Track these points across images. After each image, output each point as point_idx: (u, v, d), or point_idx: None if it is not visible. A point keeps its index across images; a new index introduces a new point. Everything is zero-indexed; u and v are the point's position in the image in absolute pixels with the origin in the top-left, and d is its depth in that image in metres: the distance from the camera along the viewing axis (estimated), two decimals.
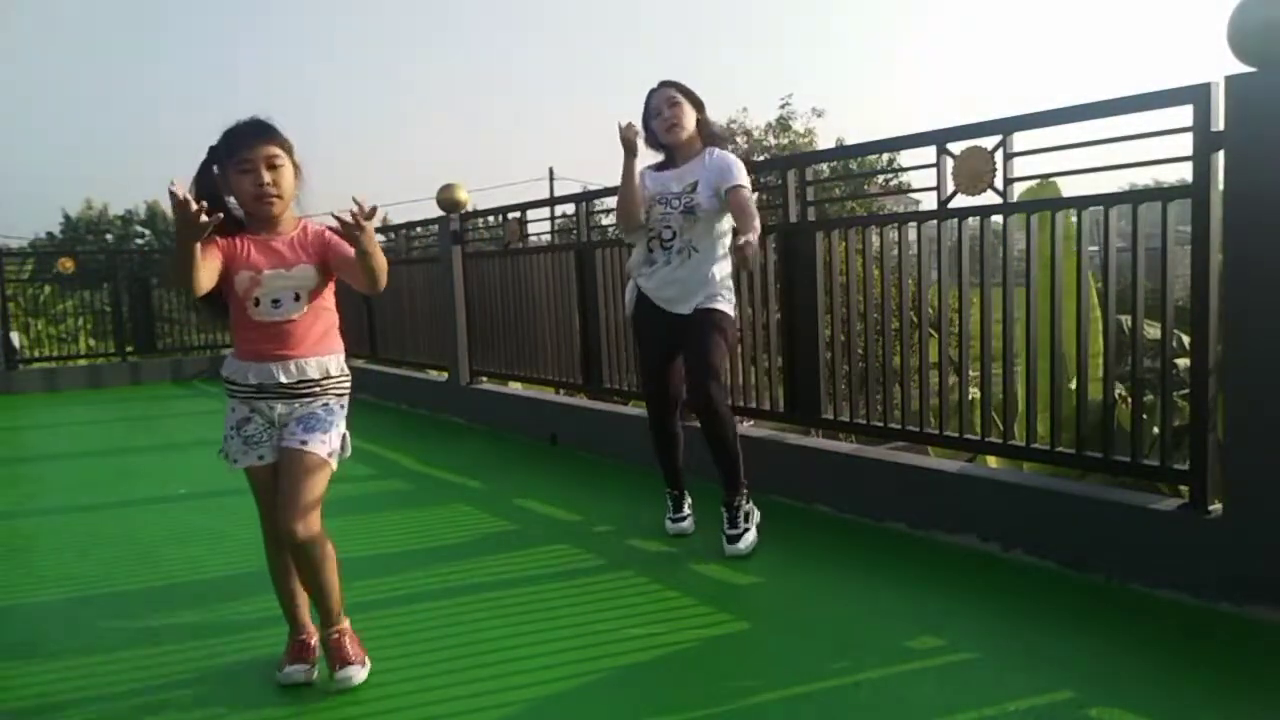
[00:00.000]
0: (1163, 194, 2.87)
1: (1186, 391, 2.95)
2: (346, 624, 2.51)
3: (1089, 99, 2.95)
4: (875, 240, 3.92)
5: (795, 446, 4.09)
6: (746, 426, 4.37)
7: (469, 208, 7.01)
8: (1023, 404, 3.38)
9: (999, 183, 3.25)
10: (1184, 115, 2.73)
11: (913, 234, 3.75)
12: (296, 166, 2.40)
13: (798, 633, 2.74)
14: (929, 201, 3.53)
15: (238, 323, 2.42)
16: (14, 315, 10.34)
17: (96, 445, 6.77)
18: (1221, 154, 2.65)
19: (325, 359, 2.44)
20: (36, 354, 10.70)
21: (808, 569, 3.25)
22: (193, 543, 3.92)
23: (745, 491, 3.44)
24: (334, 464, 2.42)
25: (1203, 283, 2.74)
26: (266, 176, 2.31)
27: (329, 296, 2.48)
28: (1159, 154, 2.82)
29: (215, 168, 2.36)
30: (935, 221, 3.51)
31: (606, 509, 4.13)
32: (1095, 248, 3.13)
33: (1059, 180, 3.43)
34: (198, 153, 2.38)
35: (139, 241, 40.36)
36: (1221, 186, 2.67)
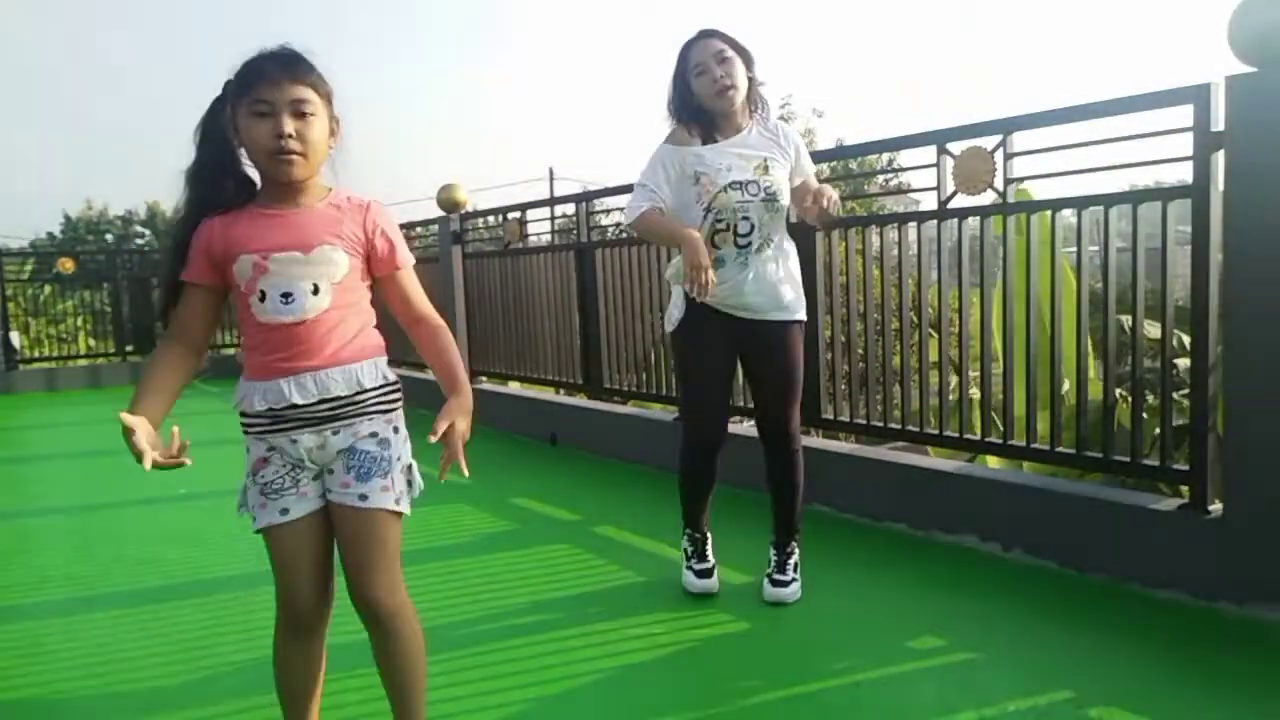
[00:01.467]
0: (1163, 194, 2.87)
1: (1186, 391, 2.95)
2: None
3: (1089, 99, 2.96)
4: (875, 240, 3.92)
5: None
6: (745, 427, 4.37)
7: (469, 208, 7.01)
8: (1022, 404, 3.38)
9: (999, 183, 3.25)
10: (1184, 115, 2.73)
11: (913, 234, 3.75)
12: (334, 120, 1.81)
13: (798, 633, 2.74)
14: (929, 201, 3.54)
15: (243, 327, 1.81)
16: (14, 315, 10.34)
17: (96, 445, 6.76)
18: (1221, 154, 2.66)
19: (355, 367, 1.82)
20: (36, 354, 10.71)
21: (808, 569, 3.24)
22: (193, 543, 3.91)
23: (799, 538, 3.06)
24: (406, 509, 1.88)
25: (1203, 283, 2.74)
26: (289, 125, 1.71)
27: (360, 287, 1.85)
28: (1159, 154, 2.83)
29: (228, 110, 1.77)
30: (935, 221, 3.51)
31: (606, 509, 4.13)
32: (1095, 248, 3.13)
33: (1058, 180, 3.43)
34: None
35: (139, 241, 40.39)
36: (1221, 186, 2.67)
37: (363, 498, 1.82)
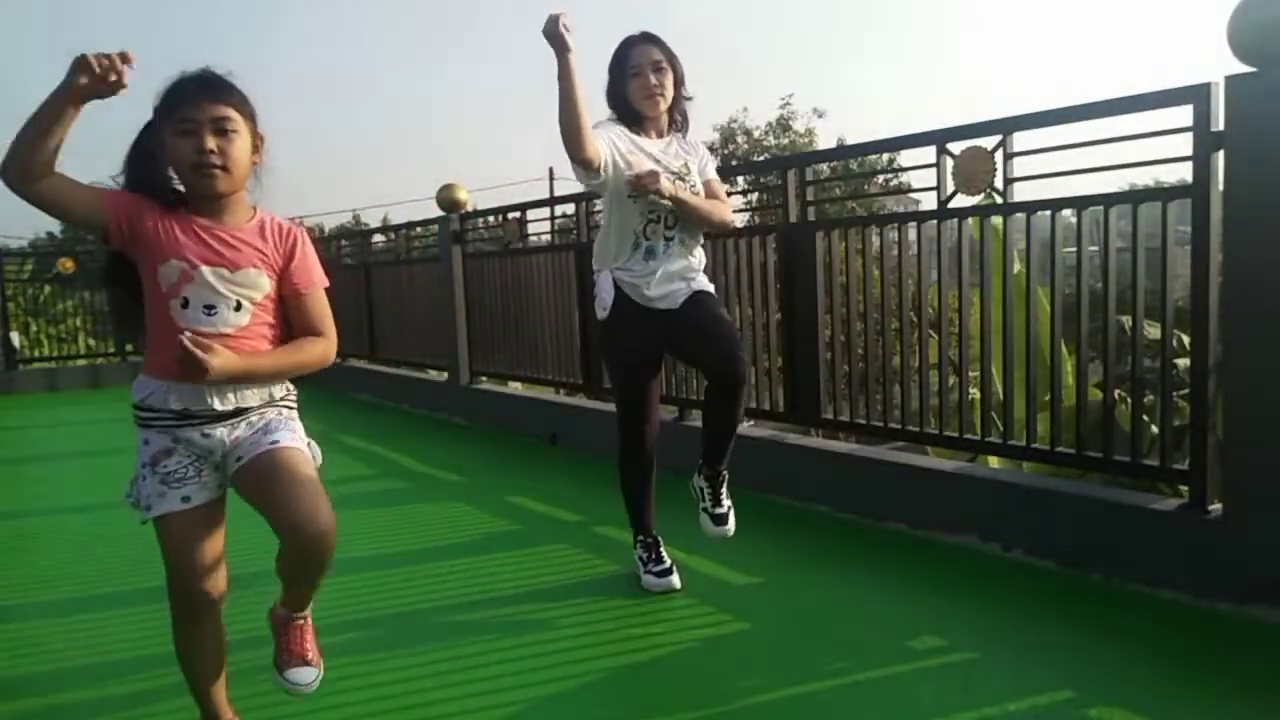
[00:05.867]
0: (1163, 194, 2.87)
1: (1186, 391, 2.96)
2: (309, 614, 2.09)
3: (1089, 99, 2.96)
4: (875, 240, 3.92)
5: (795, 446, 4.09)
6: (747, 426, 4.37)
7: (469, 208, 7.01)
8: (1022, 405, 3.38)
9: (999, 183, 3.25)
10: (1184, 115, 2.73)
11: (913, 234, 3.74)
12: (258, 138, 1.92)
13: (798, 633, 2.74)
14: (929, 201, 3.54)
15: (157, 325, 1.88)
16: (14, 315, 10.33)
17: (96, 445, 6.76)
18: (1221, 154, 2.66)
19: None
20: (36, 354, 10.70)
21: (808, 569, 3.25)
22: None
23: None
24: (316, 460, 2.00)
25: (1203, 283, 2.74)
26: (211, 143, 1.82)
27: (274, 308, 1.98)
28: (1159, 154, 2.83)
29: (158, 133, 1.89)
30: (935, 221, 3.51)
31: (607, 509, 4.12)
32: (1095, 247, 3.13)
33: (1059, 180, 3.43)
34: None
35: None
36: (1221, 186, 2.67)
37: (274, 442, 1.92)
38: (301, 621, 2.06)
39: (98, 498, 4.91)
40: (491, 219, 6.94)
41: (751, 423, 4.51)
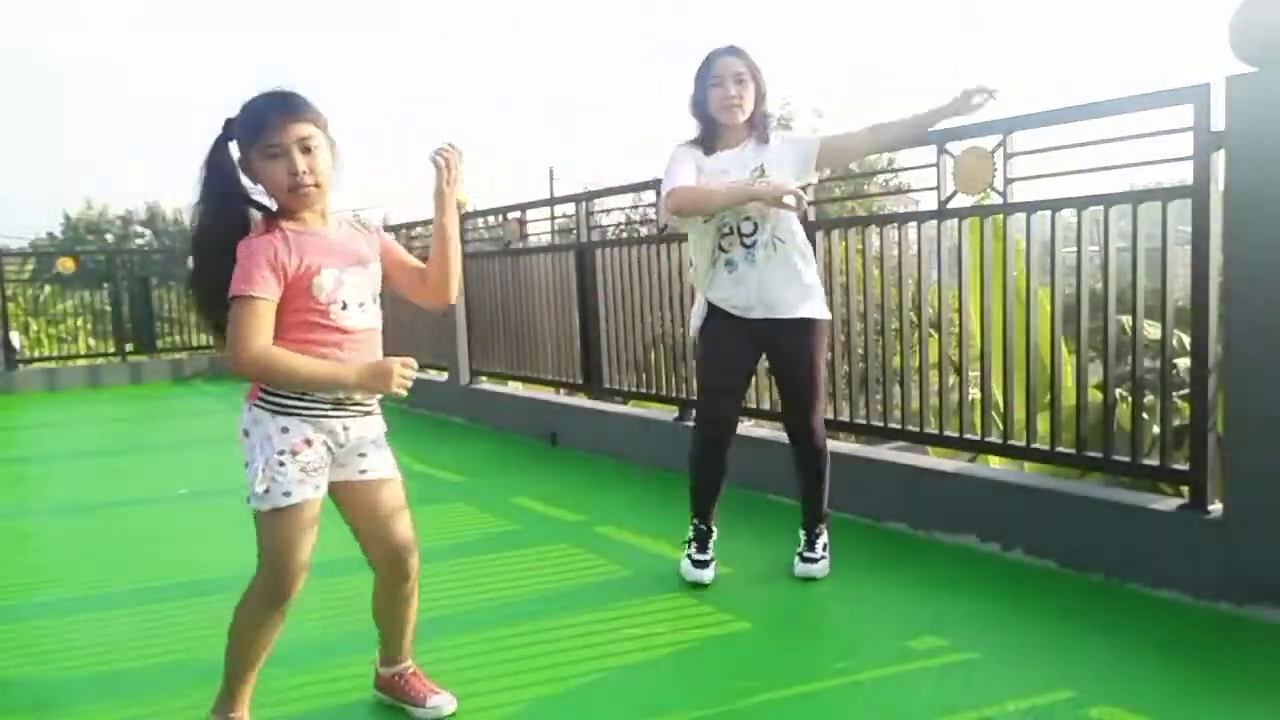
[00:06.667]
0: (1163, 194, 2.87)
1: (1186, 391, 2.96)
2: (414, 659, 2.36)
3: (1089, 99, 2.96)
4: (875, 240, 3.92)
5: None
6: (747, 426, 4.37)
7: (469, 208, 7.01)
8: (1022, 405, 3.38)
9: (999, 183, 3.25)
10: (1184, 115, 2.72)
11: (913, 234, 3.74)
12: (332, 144, 2.03)
13: (798, 633, 2.74)
14: (929, 201, 3.54)
15: (306, 327, 1.99)
16: (14, 315, 10.34)
17: (96, 445, 6.77)
18: (1221, 154, 2.66)
19: None
20: (36, 354, 10.71)
21: None
22: (193, 543, 3.91)
23: (827, 522, 3.21)
24: None
25: (1203, 283, 2.74)
26: (301, 163, 1.93)
27: None
28: (1159, 154, 2.83)
29: (234, 146, 1.99)
30: (935, 221, 3.51)
31: (607, 509, 4.13)
32: (1095, 247, 3.13)
33: (1058, 180, 3.43)
34: (197, 150, 2.00)
35: (139, 241, 40.32)
36: (1221, 186, 2.67)
37: (394, 467, 2.21)
38: (414, 669, 2.33)
39: (98, 497, 4.92)
40: (491, 219, 6.94)
41: (752, 423, 4.50)
